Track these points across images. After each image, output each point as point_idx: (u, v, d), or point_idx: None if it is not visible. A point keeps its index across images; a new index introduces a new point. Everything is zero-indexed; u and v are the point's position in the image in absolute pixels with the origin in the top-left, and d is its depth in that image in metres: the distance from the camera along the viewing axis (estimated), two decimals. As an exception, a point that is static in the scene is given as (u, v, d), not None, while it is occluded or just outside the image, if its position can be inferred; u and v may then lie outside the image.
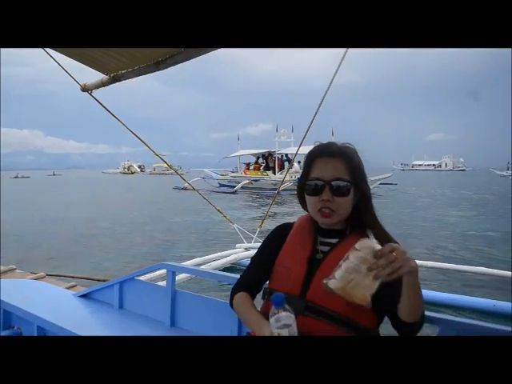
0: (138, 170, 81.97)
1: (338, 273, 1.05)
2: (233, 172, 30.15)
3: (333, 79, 3.26)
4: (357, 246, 1.06)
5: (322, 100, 3.41)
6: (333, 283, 1.06)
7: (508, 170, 62.97)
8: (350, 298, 1.06)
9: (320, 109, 3.52)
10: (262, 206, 17.01)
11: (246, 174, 27.12)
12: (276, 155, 26.33)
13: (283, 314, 1.08)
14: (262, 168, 26.76)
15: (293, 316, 1.10)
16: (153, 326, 2.02)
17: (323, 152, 1.30)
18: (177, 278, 2.12)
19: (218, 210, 3.79)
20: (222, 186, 26.98)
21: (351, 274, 1.04)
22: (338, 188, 1.26)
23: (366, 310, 1.19)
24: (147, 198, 21.02)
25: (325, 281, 1.07)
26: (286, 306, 1.10)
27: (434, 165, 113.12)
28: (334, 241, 1.31)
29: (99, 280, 4.07)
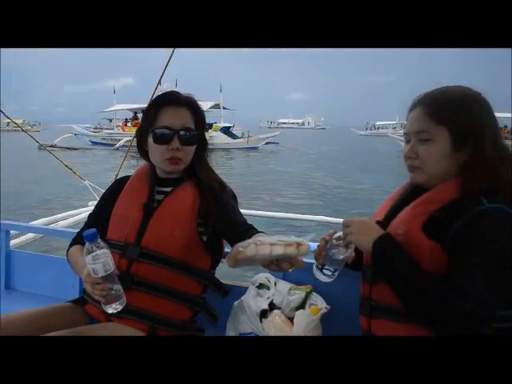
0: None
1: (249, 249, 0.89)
2: (108, 129, 28.12)
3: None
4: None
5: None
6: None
7: (367, 129, 66.90)
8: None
9: (210, 68, 4.08)
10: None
11: (123, 130, 25.08)
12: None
13: (98, 251, 1.06)
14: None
15: (108, 252, 1.08)
16: None
17: (171, 100, 1.29)
18: (20, 239, 2.12)
19: (67, 166, 3.30)
20: (94, 143, 25.13)
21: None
22: (186, 137, 1.27)
23: (201, 252, 1.28)
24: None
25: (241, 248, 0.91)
26: (100, 243, 1.08)
27: (298, 123, 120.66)
28: (169, 189, 1.32)
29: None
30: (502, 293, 0.89)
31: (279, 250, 0.88)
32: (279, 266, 0.93)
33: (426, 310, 0.92)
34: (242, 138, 25.33)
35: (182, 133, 1.28)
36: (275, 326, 1.33)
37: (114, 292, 1.12)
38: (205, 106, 23.77)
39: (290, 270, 0.93)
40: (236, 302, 1.41)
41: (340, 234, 1.07)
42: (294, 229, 5.06)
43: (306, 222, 4.02)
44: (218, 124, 24.78)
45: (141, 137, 1.34)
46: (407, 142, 1.06)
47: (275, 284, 1.45)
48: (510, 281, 0.90)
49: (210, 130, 23.29)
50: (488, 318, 0.90)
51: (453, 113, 0.98)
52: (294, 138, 49.70)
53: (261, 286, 1.45)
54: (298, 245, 0.89)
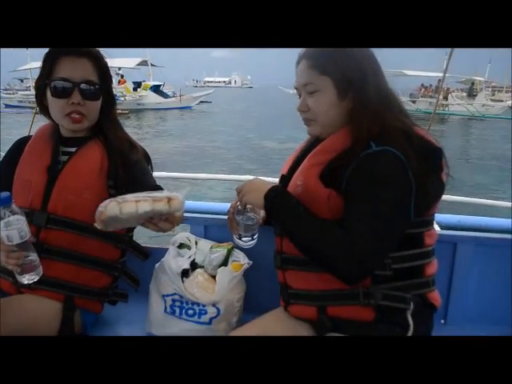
0: None
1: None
2: (21, 90, 26.38)
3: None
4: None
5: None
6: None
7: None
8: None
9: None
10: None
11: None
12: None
13: (12, 217, 0.97)
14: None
15: (23, 217, 1.00)
16: None
17: (70, 50, 1.17)
18: None
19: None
20: (8, 106, 22.71)
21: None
22: (88, 91, 1.17)
23: None
24: None
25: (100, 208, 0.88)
26: (15, 207, 0.98)
27: (224, 81, 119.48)
28: (74, 149, 1.23)
29: None
30: (391, 230, 0.94)
31: (146, 207, 0.85)
32: (156, 225, 0.90)
33: (319, 252, 0.96)
34: (173, 97, 24.41)
35: (83, 86, 1.17)
36: (197, 285, 1.32)
37: (29, 261, 1.05)
38: (132, 62, 22.30)
39: (172, 231, 0.91)
40: (157, 264, 1.38)
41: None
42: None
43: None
44: (147, 82, 23.52)
45: (38, 90, 1.21)
46: (299, 96, 1.08)
47: (196, 243, 1.43)
48: (401, 219, 0.95)
49: (138, 89, 22.18)
50: (380, 256, 0.95)
51: (334, 62, 1.00)
52: (223, 96, 49.39)
53: (181, 246, 1.42)
54: (169, 199, 0.86)
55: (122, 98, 19.99)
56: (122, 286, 1.39)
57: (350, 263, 0.92)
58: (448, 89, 24.19)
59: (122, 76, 22.24)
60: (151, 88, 22.87)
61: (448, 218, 3.55)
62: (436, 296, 1.10)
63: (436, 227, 1.92)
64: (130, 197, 0.88)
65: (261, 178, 1.12)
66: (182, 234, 1.46)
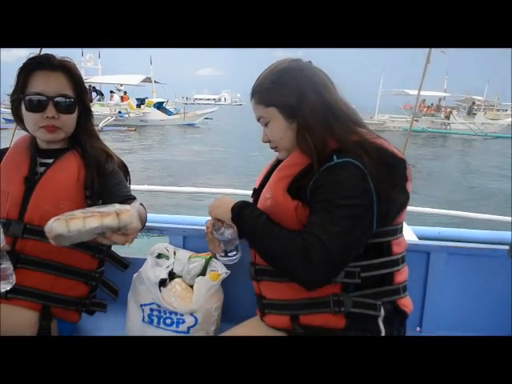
0: None
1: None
2: None
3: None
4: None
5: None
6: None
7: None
8: None
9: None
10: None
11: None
12: (81, 85, 23.39)
13: None
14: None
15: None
16: None
17: (43, 64, 1.19)
18: None
19: None
20: (8, 121, 23.40)
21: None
22: (62, 104, 1.19)
23: None
24: None
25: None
26: None
27: (214, 99, 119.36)
28: (51, 161, 1.25)
29: None
30: (349, 238, 0.95)
31: (94, 223, 0.84)
32: (109, 239, 0.89)
33: (278, 260, 0.98)
34: (177, 114, 24.55)
35: (57, 99, 1.19)
36: (175, 294, 1.33)
37: (3, 269, 1.01)
38: (136, 79, 22.50)
39: (127, 244, 0.89)
40: (135, 275, 1.39)
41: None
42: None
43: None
44: (150, 99, 23.73)
45: (13, 104, 1.24)
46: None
47: (175, 253, 1.44)
48: (360, 227, 0.96)
49: (142, 106, 22.34)
50: (338, 263, 0.96)
51: (273, 92, 1.06)
52: (221, 114, 50.17)
53: (160, 256, 1.43)
54: (118, 214, 0.85)
55: (127, 115, 20.08)
56: (101, 297, 1.39)
57: (307, 270, 0.93)
58: (451, 111, 24.48)
59: (125, 93, 22.32)
60: (155, 105, 23.01)
61: (427, 230, 3.63)
62: (407, 303, 1.11)
63: (413, 237, 1.91)
64: (78, 213, 0.88)
65: (222, 196, 1.18)
66: (161, 245, 1.47)
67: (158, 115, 22.51)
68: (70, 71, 1.22)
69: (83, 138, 1.27)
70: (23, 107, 1.21)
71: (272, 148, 1.14)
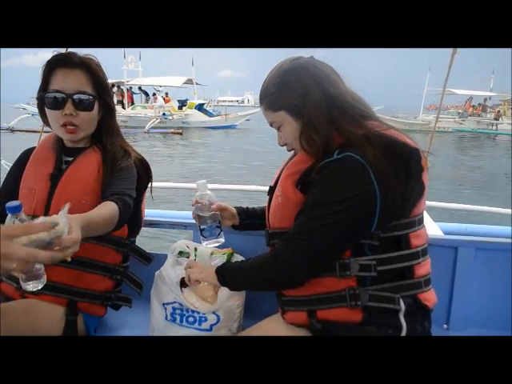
0: None
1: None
2: None
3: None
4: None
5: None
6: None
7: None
8: None
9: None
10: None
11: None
12: (124, 86, 22.37)
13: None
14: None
15: None
16: None
17: (64, 62, 1.21)
18: None
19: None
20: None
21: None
22: (80, 102, 1.21)
23: None
24: None
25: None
26: (24, 216, 0.93)
27: (237, 101, 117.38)
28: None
29: None
30: (333, 233, 0.97)
31: (23, 240, 0.79)
32: (47, 257, 0.84)
33: (263, 281, 1.10)
34: (217, 115, 24.78)
35: (76, 97, 1.21)
36: (196, 293, 1.33)
37: (36, 269, 1.01)
38: (179, 81, 22.86)
39: (68, 259, 0.85)
40: (156, 272, 1.39)
41: (199, 193, 1.23)
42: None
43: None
44: (192, 101, 24.10)
45: (38, 102, 1.27)
46: None
47: (196, 249, 1.44)
48: (353, 220, 0.96)
49: (184, 108, 22.75)
50: (317, 256, 1.00)
51: (277, 97, 1.07)
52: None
53: (181, 254, 1.43)
54: (51, 227, 0.82)
55: (171, 117, 20.49)
56: (126, 292, 1.42)
57: (275, 270, 1.02)
58: (499, 111, 23.33)
59: (167, 94, 22.70)
60: (196, 106, 23.34)
61: (454, 226, 3.55)
62: (430, 297, 1.08)
63: (440, 233, 1.85)
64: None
65: (202, 263, 1.35)
66: (182, 242, 1.47)
67: (200, 117, 22.77)
68: (89, 68, 1.24)
69: (104, 136, 1.30)
70: (46, 104, 1.25)
71: (289, 150, 1.16)
